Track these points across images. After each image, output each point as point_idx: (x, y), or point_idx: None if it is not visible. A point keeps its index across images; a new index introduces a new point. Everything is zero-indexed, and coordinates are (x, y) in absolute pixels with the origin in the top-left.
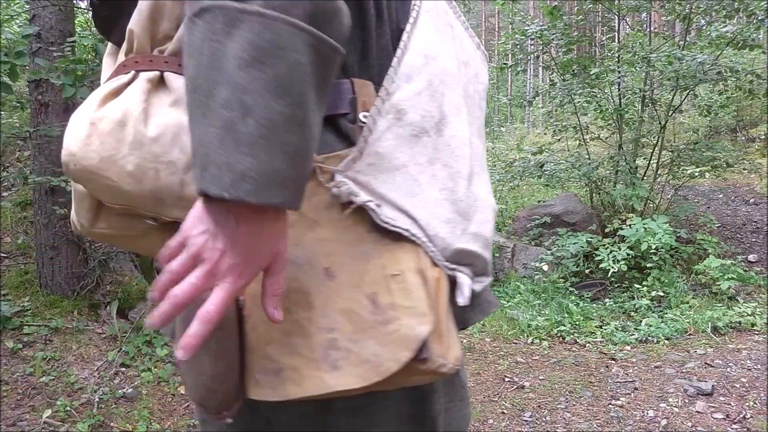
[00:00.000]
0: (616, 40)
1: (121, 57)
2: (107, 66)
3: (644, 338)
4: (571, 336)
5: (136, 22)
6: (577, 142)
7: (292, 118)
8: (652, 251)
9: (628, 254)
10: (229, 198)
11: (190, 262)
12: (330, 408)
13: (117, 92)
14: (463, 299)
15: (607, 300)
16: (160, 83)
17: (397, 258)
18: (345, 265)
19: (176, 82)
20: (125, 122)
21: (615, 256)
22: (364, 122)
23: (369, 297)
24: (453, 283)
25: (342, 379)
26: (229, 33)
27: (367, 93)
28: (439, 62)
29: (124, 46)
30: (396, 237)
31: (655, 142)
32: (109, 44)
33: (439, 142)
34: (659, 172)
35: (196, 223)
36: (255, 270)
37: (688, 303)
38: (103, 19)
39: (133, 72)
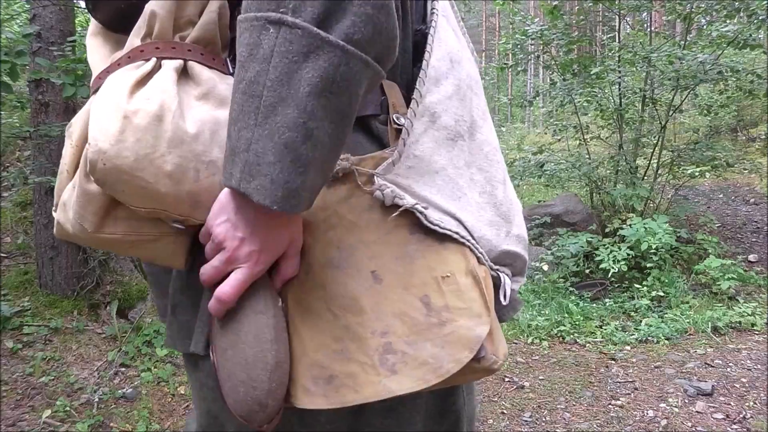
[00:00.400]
0: (617, 40)
1: (134, 40)
2: (95, 46)
3: (644, 338)
4: (571, 336)
5: (160, 3)
6: (578, 141)
7: (341, 142)
8: (652, 251)
9: (628, 254)
10: (278, 209)
11: (215, 248)
12: (362, 408)
13: (143, 81)
14: (506, 300)
15: (607, 300)
16: (183, 73)
17: (444, 259)
18: (391, 268)
19: (204, 73)
20: (162, 116)
21: (615, 256)
22: (399, 124)
23: (421, 299)
24: (494, 283)
25: (402, 382)
26: (307, 56)
27: (395, 94)
28: (463, 67)
29: (141, 28)
30: (440, 238)
31: (655, 141)
32: (94, 23)
33: (473, 147)
34: (659, 171)
35: (218, 213)
36: (272, 257)
37: (688, 303)
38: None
39: (155, 59)
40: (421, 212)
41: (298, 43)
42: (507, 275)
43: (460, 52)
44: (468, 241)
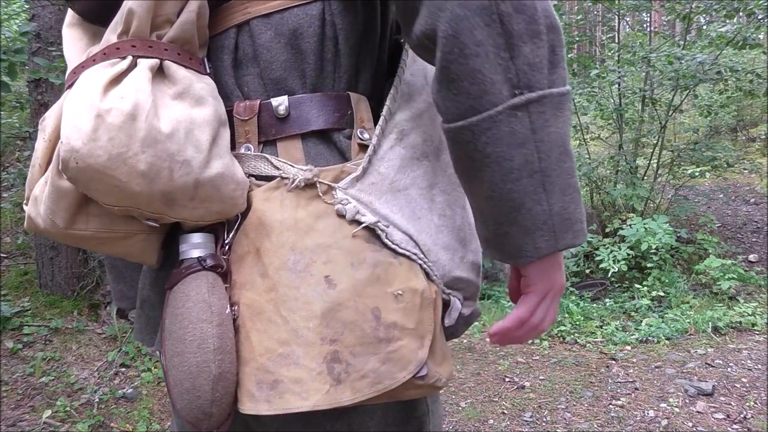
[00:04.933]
0: (617, 40)
1: (111, 37)
2: (72, 39)
3: (644, 338)
4: (572, 336)
5: (138, 2)
6: (578, 141)
7: None
8: (652, 251)
9: (628, 254)
10: (583, 242)
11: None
12: (314, 411)
13: (117, 79)
14: (449, 321)
15: (607, 300)
16: (159, 72)
17: (398, 275)
18: (346, 274)
19: (180, 72)
20: (136, 115)
21: (615, 256)
22: (363, 139)
23: (372, 311)
24: (445, 303)
25: (344, 392)
26: (556, 115)
27: (363, 108)
28: None
29: (118, 24)
30: (395, 253)
31: (655, 141)
32: (71, 13)
33: (437, 168)
34: (659, 171)
35: (540, 300)
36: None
37: (688, 303)
38: None
39: (130, 57)
40: (382, 230)
41: (549, 111)
42: (459, 299)
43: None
44: (423, 262)
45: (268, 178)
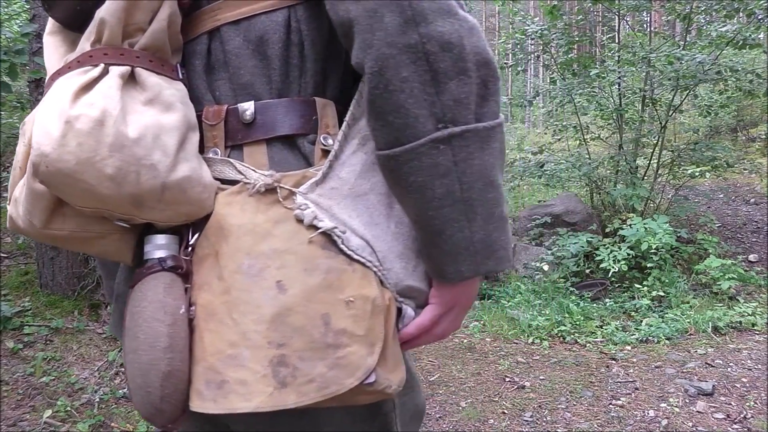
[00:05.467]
0: (617, 40)
1: (85, 45)
2: (52, 46)
3: (645, 338)
4: (572, 336)
5: (110, 11)
6: (578, 141)
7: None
8: (652, 251)
9: (628, 254)
10: (508, 266)
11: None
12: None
13: (88, 86)
14: (401, 328)
15: (607, 300)
16: (131, 79)
17: (351, 282)
18: (298, 280)
19: (150, 79)
20: (104, 121)
21: (615, 256)
22: (326, 145)
23: (322, 317)
24: (397, 311)
25: (289, 396)
26: (482, 149)
27: (329, 114)
28: None
29: (91, 33)
30: (350, 260)
31: (655, 141)
32: (51, 21)
33: None
34: (660, 171)
35: (445, 313)
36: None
37: (688, 303)
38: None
39: (102, 65)
40: (338, 236)
41: (473, 144)
42: (411, 307)
43: None
44: (378, 270)
45: (233, 182)
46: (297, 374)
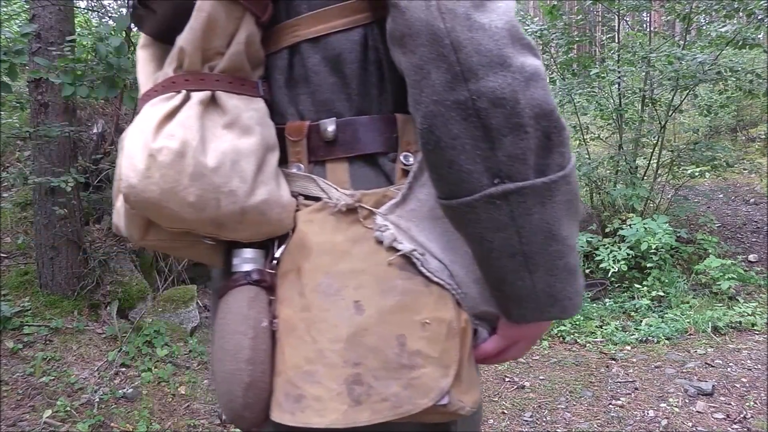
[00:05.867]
0: (616, 40)
1: (168, 69)
2: (143, 61)
3: (644, 338)
4: (572, 336)
5: (188, 40)
6: (577, 141)
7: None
8: (652, 251)
9: (628, 254)
10: (573, 315)
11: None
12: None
13: (170, 115)
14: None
15: (607, 300)
16: (211, 103)
17: (427, 304)
18: (375, 301)
19: (229, 102)
20: (184, 153)
21: (615, 256)
22: (406, 164)
23: (397, 338)
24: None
25: (363, 414)
26: (543, 204)
27: (408, 130)
28: None
29: (173, 59)
30: (427, 281)
31: (655, 141)
32: (144, 36)
33: None
34: (659, 171)
35: (518, 347)
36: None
37: (688, 303)
38: (142, 15)
39: (184, 92)
40: (418, 259)
41: (531, 200)
42: (486, 330)
43: None
44: (456, 292)
45: (315, 198)
46: (371, 393)
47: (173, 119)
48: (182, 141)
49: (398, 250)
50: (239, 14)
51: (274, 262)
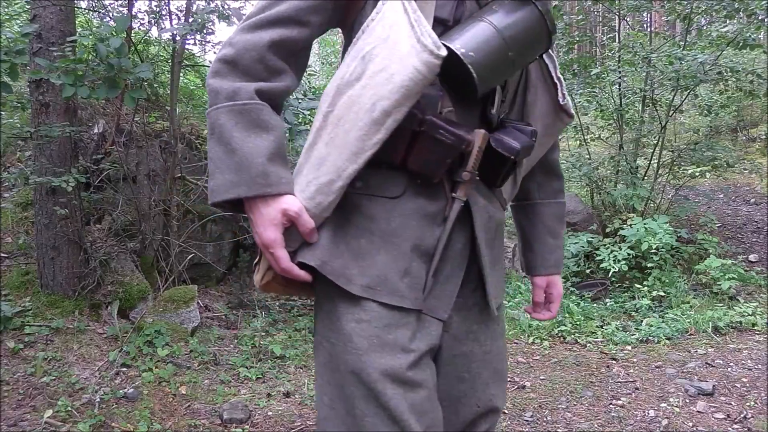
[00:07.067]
0: (617, 40)
1: None
2: None
3: (645, 338)
4: (572, 336)
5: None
6: (578, 142)
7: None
8: (652, 251)
9: (628, 254)
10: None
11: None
12: None
13: None
14: None
15: (607, 300)
16: None
17: None
18: None
19: None
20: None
21: (616, 256)
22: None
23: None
24: None
25: None
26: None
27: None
28: None
29: None
30: None
31: (655, 142)
32: None
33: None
34: (660, 172)
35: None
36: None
37: (688, 303)
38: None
39: None
40: None
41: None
42: None
43: None
44: None
45: None
46: None
47: None
48: None
49: None
50: None
51: None
